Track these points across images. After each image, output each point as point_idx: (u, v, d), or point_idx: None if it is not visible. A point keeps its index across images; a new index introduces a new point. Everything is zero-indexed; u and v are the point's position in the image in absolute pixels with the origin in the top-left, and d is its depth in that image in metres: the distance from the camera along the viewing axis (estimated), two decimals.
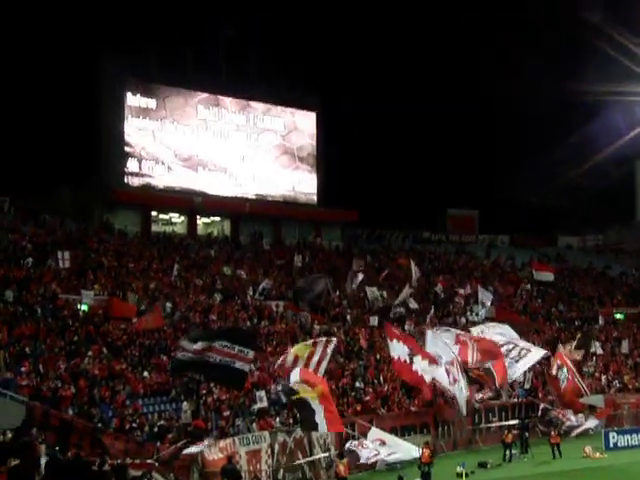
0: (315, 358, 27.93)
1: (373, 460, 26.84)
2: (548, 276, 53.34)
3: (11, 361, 26.38)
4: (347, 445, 26.92)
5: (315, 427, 23.87)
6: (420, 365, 29.56)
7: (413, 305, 44.54)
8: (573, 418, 34.08)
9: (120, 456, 21.86)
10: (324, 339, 29.59)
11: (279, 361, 28.32)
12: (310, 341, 29.78)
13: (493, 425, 33.04)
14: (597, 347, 42.98)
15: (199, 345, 24.32)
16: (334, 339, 29.90)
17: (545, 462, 29.11)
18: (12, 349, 27.06)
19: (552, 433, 30.49)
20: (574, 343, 40.52)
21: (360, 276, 44.48)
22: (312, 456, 26.04)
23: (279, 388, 28.90)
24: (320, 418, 23.39)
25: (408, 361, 29.65)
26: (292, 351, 28.17)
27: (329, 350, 28.36)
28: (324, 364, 28.22)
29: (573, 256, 64.51)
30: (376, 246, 57.72)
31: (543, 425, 33.83)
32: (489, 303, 44.13)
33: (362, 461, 26.65)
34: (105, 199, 48.03)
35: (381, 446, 27.15)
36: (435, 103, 64.91)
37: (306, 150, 56.42)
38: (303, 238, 54.35)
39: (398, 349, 29.91)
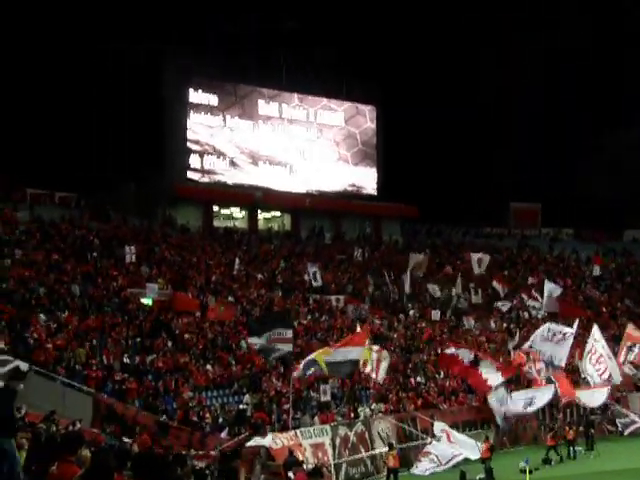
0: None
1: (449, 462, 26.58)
2: (596, 269, 52.24)
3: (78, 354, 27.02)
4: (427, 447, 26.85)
5: None
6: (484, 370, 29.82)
7: (475, 299, 44.17)
8: (637, 417, 33.40)
9: (184, 448, 22.22)
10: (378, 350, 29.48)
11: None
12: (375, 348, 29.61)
13: (557, 422, 32.47)
14: None
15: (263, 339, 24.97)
16: (385, 354, 29.74)
17: (611, 460, 28.50)
18: (79, 342, 27.75)
19: (548, 436, 29.13)
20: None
21: (413, 273, 44.18)
22: (374, 450, 26.04)
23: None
24: None
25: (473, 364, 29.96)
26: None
27: (384, 363, 28.55)
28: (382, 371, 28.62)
29: None
30: (436, 240, 57.33)
31: (608, 423, 33.22)
32: (556, 294, 42.89)
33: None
34: (168, 195, 48.78)
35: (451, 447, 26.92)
36: (495, 95, 64.13)
37: (366, 144, 56.31)
38: (363, 233, 54.31)
39: (463, 354, 30.31)
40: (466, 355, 30.94)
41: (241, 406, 27.02)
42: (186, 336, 30.86)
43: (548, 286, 43.02)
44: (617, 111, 61.79)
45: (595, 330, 34.25)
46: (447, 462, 26.31)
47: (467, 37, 63.55)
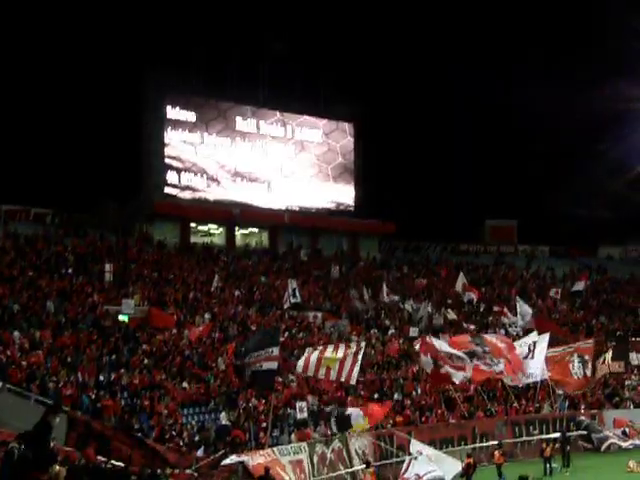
0: (346, 367, 28.00)
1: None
2: (579, 285, 52.81)
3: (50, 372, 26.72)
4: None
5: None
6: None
7: (451, 316, 44.32)
8: (611, 434, 33.61)
9: (160, 466, 21.98)
10: (353, 347, 29.27)
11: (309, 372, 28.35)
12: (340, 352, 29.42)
13: (534, 438, 32.58)
14: (636, 359, 42.16)
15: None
16: (362, 344, 29.72)
17: (587, 477, 28.60)
18: (55, 359, 27.46)
19: (496, 453, 28.18)
20: (610, 354, 39.83)
21: (387, 289, 44.36)
22: (352, 467, 25.89)
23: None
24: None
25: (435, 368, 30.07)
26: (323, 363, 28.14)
27: (359, 356, 28.34)
28: (356, 370, 28.26)
29: (614, 267, 63.51)
30: (413, 257, 57.55)
31: (583, 440, 33.37)
32: (528, 317, 43.44)
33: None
34: (145, 211, 48.61)
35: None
36: (471, 112, 64.74)
37: (345, 161, 56.54)
38: (341, 249, 54.40)
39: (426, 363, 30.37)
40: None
41: (223, 422, 26.86)
42: (162, 353, 30.63)
43: (521, 307, 43.40)
44: (592, 132, 62.58)
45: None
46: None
47: (445, 55, 64.19)
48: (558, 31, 62.10)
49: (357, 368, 27.80)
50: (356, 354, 27.87)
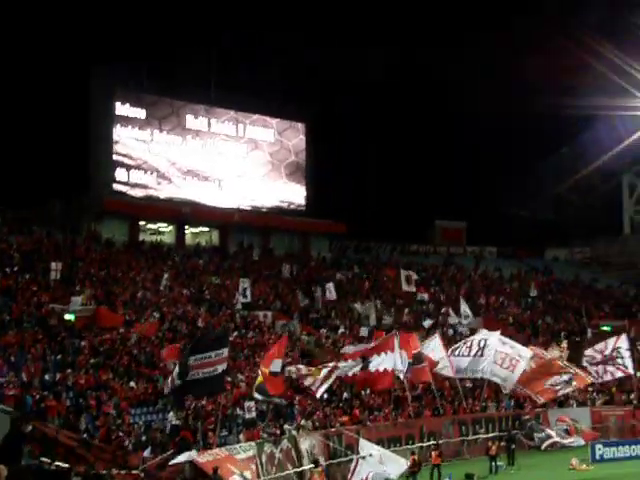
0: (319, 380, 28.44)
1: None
2: (533, 291, 53.94)
3: None
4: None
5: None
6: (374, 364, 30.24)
7: (400, 316, 44.67)
8: (554, 433, 34.24)
9: (106, 467, 21.72)
10: (331, 365, 29.58)
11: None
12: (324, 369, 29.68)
13: (480, 437, 33.02)
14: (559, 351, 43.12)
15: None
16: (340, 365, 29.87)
17: (531, 475, 29.10)
18: None
19: (433, 453, 28.04)
20: (565, 353, 40.62)
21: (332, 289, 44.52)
22: (301, 467, 25.88)
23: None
24: None
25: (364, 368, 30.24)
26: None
27: (333, 375, 28.71)
28: (325, 385, 28.68)
29: (560, 268, 64.77)
30: (364, 257, 57.85)
31: (526, 438, 33.93)
32: (470, 319, 44.12)
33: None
34: (93, 209, 47.94)
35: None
36: (422, 115, 65.27)
37: (294, 161, 56.55)
38: (291, 249, 54.40)
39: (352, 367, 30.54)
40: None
41: (174, 422, 26.62)
42: (108, 353, 30.25)
43: (464, 308, 44.12)
44: (540, 138, 63.78)
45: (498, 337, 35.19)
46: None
47: (395, 56, 64.54)
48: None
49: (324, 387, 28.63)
50: (327, 377, 28.26)
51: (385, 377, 30.70)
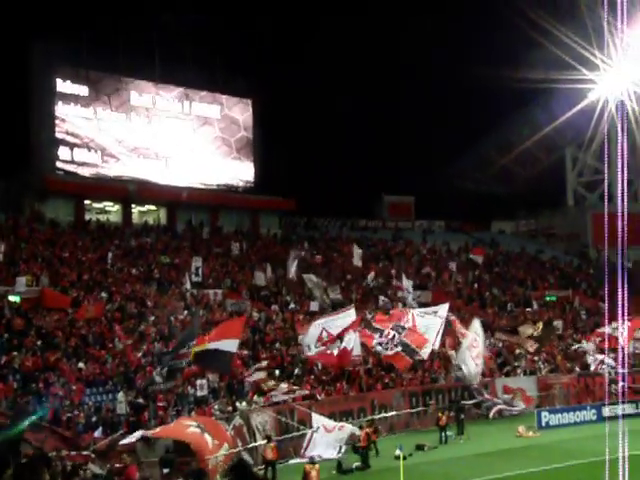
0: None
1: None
2: (477, 258, 54.72)
3: None
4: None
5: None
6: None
7: (349, 292, 44.88)
8: (500, 401, 34.88)
9: (55, 448, 21.49)
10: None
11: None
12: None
13: (430, 408, 33.50)
14: (529, 329, 44.05)
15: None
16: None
17: (480, 443, 29.70)
18: None
19: (367, 430, 27.13)
20: (532, 331, 41.53)
21: (295, 263, 44.51)
22: (254, 443, 25.91)
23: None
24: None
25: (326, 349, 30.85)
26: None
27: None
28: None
29: (507, 241, 65.82)
30: (314, 233, 57.90)
31: (474, 407, 34.52)
32: (411, 294, 44.40)
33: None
34: (36, 188, 46.96)
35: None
36: (369, 90, 65.41)
37: (242, 138, 56.09)
38: (240, 226, 54.15)
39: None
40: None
41: (139, 400, 26.54)
42: (55, 334, 29.82)
43: (405, 281, 44.45)
44: (485, 112, 64.43)
45: (476, 323, 35.55)
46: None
47: (343, 30, 64.50)
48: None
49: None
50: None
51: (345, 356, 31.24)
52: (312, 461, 22.39)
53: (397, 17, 63.40)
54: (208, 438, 22.16)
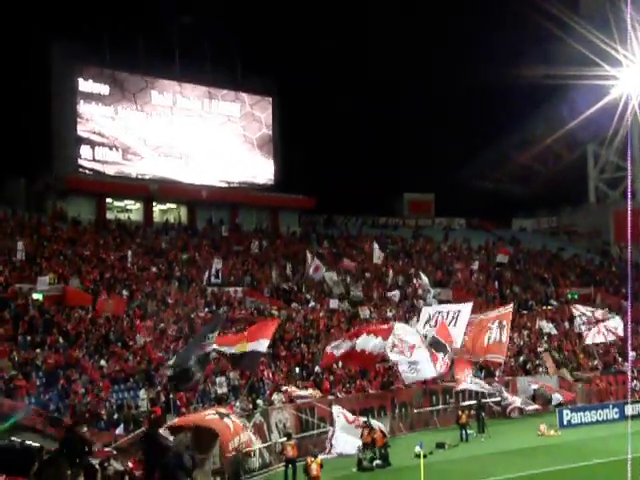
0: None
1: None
2: (503, 258, 54.42)
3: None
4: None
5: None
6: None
7: (370, 290, 44.83)
8: (518, 399, 34.64)
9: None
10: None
11: None
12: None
13: (450, 406, 33.38)
14: (551, 328, 43.80)
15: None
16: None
17: (501, 441, 29.55)
18: None
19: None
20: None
21: (316, 261, 44.50)
22: (272, 440, 25.94)
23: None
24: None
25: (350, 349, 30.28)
26: None
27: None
28: None
29: (527, 238, 65.41)
30: (333, 231, 57.88)
31: (495, 404, 34.33)
32: (432, 292, 44.10)
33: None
34: (58, 187, 47.32)
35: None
36: (389, 89, 65.23)
37: (264, 136, 56.19)
38: (260, 224, 54.25)
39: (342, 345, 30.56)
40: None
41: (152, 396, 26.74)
42: (77, 331, 30.03)
43: (423, 280, 44.11)
44: (506, 109, 64.05)
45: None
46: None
47: (361, 31, 64.43)
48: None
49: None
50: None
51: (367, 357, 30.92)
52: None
53: (408, 11, 63.10)
54: (228, 421, 22.40)
